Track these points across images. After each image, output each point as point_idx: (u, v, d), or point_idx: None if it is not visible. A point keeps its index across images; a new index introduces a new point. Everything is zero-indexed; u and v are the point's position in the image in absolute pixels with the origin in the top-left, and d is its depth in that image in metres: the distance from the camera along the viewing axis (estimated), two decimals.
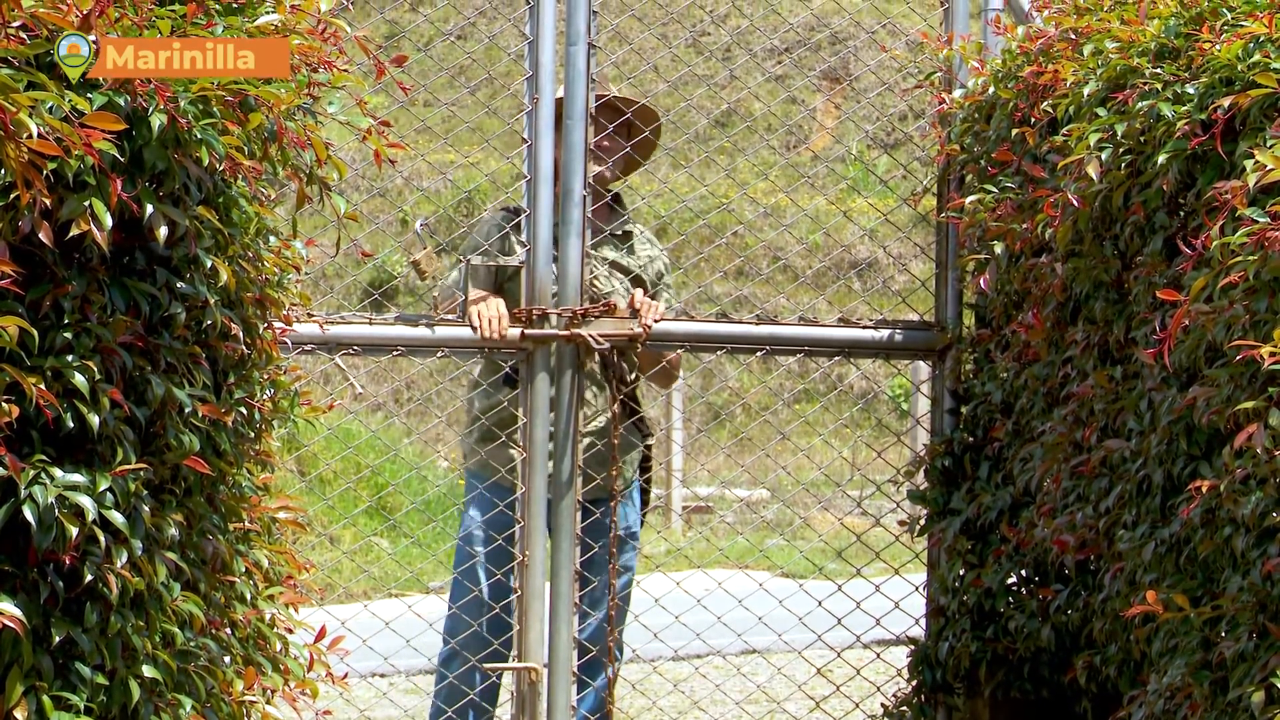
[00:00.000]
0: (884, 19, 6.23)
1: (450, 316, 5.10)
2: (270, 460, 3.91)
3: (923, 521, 5.20)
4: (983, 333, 5.06)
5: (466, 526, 5.35)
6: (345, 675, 3.96)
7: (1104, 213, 4.12)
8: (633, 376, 5.33)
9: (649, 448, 5.59)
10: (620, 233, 5.44)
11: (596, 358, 5.14)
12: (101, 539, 2.89)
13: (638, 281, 5.40)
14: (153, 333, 3.10)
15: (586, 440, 5.20)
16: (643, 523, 5.64)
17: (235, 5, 3.28)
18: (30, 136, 2.71)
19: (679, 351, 5.34)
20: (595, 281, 5.27)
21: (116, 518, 2.91)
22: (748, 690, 6.78)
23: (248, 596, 3.61)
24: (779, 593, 5.65)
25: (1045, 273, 4.43)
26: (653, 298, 5.36)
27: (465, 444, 5.49)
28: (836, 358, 5.51)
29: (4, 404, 2.78)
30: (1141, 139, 3.93)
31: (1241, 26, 3.77)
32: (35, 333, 2.83)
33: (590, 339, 5.05)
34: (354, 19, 4.79)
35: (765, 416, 8.41)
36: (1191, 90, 3.83)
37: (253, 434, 3.62)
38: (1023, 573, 4.80)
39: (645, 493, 5.60)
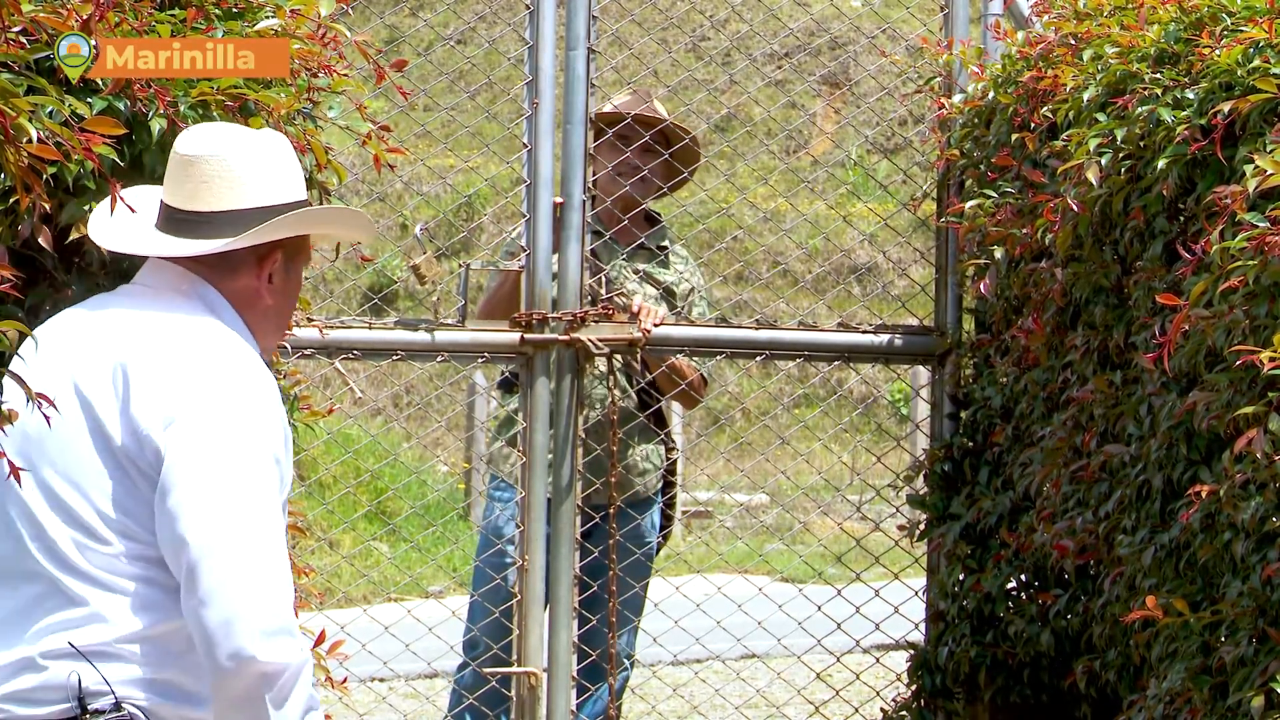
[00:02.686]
0: (883, 24, 6.23)
1: (450, 320, 5.10)
2: None
3: (922, 526, 5.19)
4: (982, 338, 5.06)
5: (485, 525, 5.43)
6: (345, 680, 3.96)
7: (1104, 218, 4.12)
8: (642, 382, 5.33)
9: (673, 463, 5.59)
10: (655, 246, 5.45)
11: (598, 362, 5.15)
12: None
13: (669, 295, 5.40)
14: None
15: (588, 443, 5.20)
16: (661, 545, 5.62)
17: (235, 10, 3.28)
18: (30, 141, 2.71)
19: (699, 372, 5.36)
20: (623, 288, 5.28)
21: None
22: (747, 695, 6.77)
23: None
24: (778, 597, 5.64)
25: (1045, 278, 4.42)
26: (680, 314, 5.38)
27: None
28: (836, 362, 5.52)
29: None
30: (1141, 144, 3.93)
31: (1241, 32, 3.77)
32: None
33: (589, 343, 5.05)
34: (354, 24, 4.79)
35: (765, 421, 8.41)
36: (1191, 95, 3.83)
37: None
38: (1022, 578, 4.80)
39: (667, 516, 5.59)
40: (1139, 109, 3.91)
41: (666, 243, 5.53)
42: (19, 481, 2.63)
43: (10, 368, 2.76)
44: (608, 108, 5.35)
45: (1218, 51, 3.76)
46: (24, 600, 2.80)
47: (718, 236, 13.64)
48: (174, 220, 2.93)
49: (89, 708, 2.75)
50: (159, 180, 3.00)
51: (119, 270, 3.06)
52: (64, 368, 2.84)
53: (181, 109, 2.99)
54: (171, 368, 2.81)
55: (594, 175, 5.31)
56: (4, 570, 2.83)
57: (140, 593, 2.79)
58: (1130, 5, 4.32)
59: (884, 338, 5.33)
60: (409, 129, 13.58)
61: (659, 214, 5.61)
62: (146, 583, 2.80)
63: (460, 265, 5.21)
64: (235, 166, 2.93)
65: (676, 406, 6.76)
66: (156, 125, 2.95)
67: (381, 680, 7.96)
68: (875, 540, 6.17)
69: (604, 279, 5.23)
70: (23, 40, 2.80)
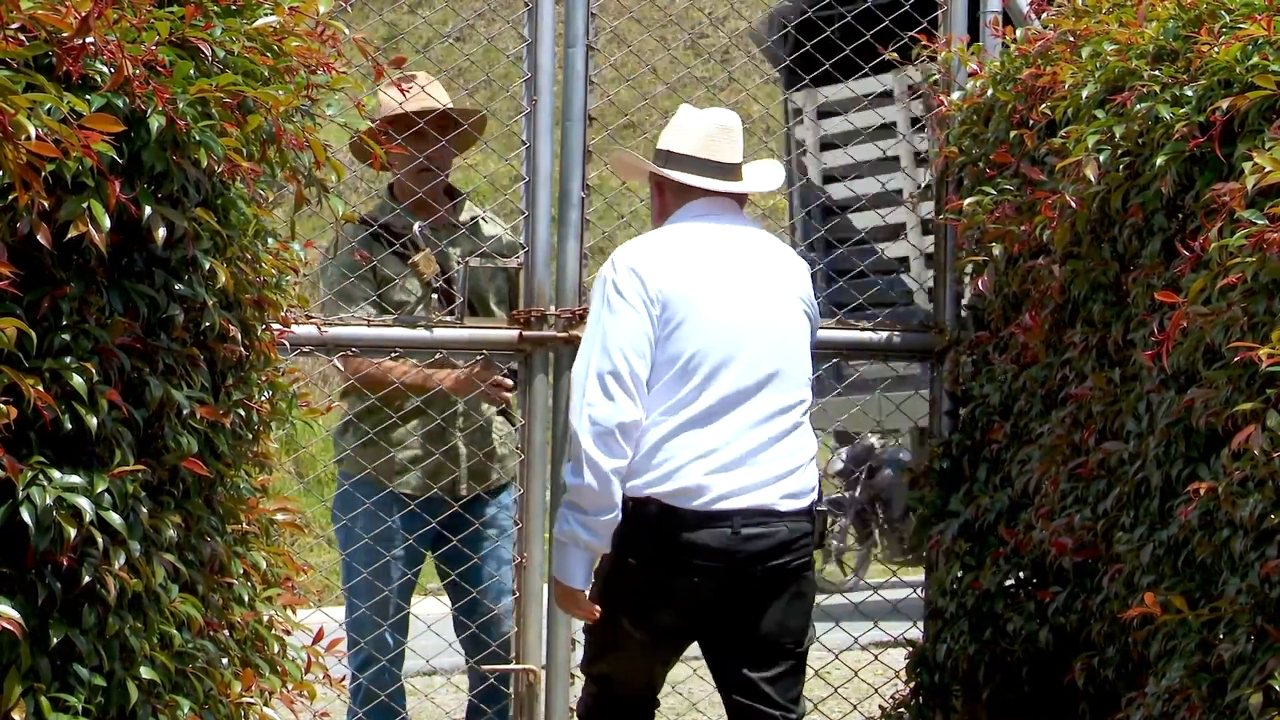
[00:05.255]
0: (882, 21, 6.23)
1: (448, 318, 5.09)
2: (268, 462, 3.90)
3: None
4: (981, 335, 5.06)
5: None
6: (343, 677, 3.96)
7: (1102, 215, 4.12)
8: None
9: None
10: (469, 220, 5.39)
11: None
12: (99, 540, 2.89)
13: (503, 250, 5.32)
14: (151, 334, 3.10)
15: None
16: None
17: (234, 7, 3.28)
18: (29, 138, 2.71)
19: None
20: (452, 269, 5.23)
21: (114, 519, 2.91)
22: None
23: (245, 598, 3.61)
24: None
25: (1043, 275, 4.43)
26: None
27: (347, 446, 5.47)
28: (835, 359, 5.51)
29: (2, 405, 2.78)
30: (1140, 141, 3.94)
31: (1240, 29, 3.78)
32: (33, 334, 2.83)
33: None
34: (352, 21, 4.78)
35: None
36: (1190, 92, 3.83)
37: (251, 435, 3.62)
38: (1021, 575, 4.80)
39: None
40: (1137, 106, 3.91)
41: (475, 214, 5.46)
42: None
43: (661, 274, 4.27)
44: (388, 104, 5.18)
45: (1216, 48, 3.76)
46: (781, 430, 4.30)
47: None
48: (725, 169, 4.42)
49: (817, 499, 4.37)
50: (157, 177, 3.00)
51: (117, 267, 3.06)
52: (752, 260, 4.38)
53: (180, 106, 2.98)
54: (798, 261, 4.49)
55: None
56: (772, 404, 4.30)
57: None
58: (1129, 2, 4.32)
59: (883, 334, 5.33)
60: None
61: (456, 187, 5.50)
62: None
63: (459, 262, 5.21)
64: (739, 132, 4.46)
65: None
66: (155, 122, 2.94)
67: None
68: None
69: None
70: (21, 38, 2.80)
